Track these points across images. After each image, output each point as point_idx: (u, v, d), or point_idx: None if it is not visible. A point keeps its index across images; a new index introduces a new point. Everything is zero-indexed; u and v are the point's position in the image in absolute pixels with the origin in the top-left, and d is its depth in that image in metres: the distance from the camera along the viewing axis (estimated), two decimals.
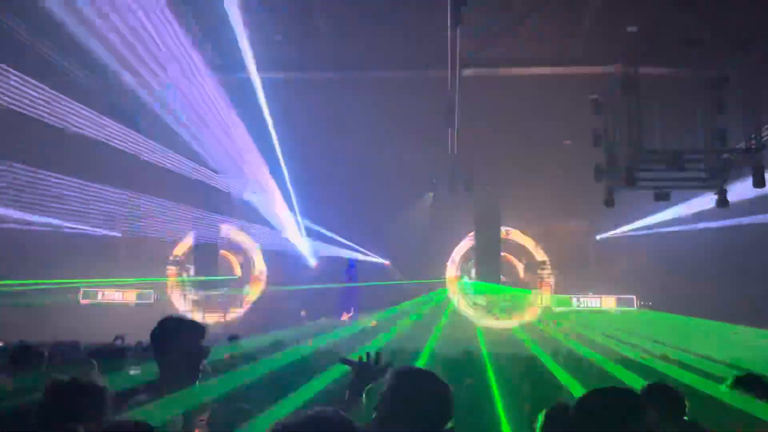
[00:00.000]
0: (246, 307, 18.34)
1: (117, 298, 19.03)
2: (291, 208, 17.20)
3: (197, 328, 2.35)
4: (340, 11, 11.87)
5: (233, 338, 8.73)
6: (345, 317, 15.32)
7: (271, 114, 15.26)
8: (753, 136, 9.20)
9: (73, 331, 10.37)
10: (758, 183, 9.28)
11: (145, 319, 3.83)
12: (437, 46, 10.76)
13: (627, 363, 8.14)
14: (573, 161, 16.01)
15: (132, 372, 4.94)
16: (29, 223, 14.50)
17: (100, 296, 19.01)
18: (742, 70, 9.22)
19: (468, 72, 11.15)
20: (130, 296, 18.98)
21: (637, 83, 9.40)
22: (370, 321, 14.30)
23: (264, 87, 13.94)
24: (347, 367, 2.48)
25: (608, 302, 18.88)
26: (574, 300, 18.94)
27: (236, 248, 19.06)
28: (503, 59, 11.79)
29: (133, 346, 7.90)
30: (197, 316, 15.86)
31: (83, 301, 18.67)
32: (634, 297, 18.63)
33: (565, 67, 12.58)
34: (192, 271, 18.77)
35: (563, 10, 11.87)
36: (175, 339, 2.29)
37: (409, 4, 11.58)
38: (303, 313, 15.06)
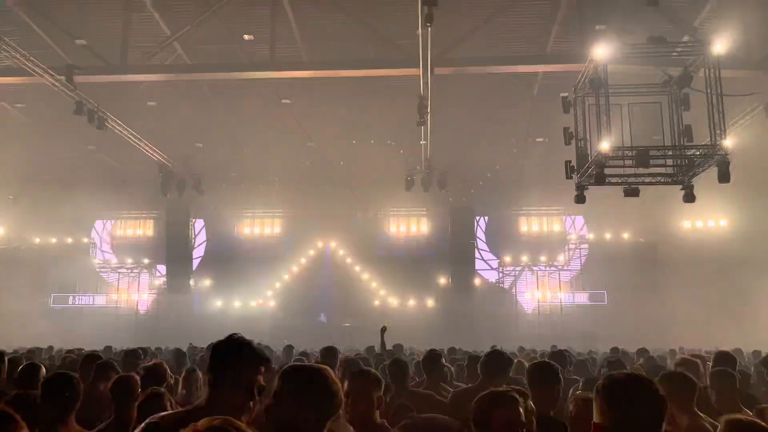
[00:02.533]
0: None
1: None
2: None
3: (259, 359, 2.04)
4: (311, 11, 11.81)
5: None
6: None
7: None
8: (718, 131, 9.35)
9: None
10: (723, 178, 9.43)
11: None
12: (409, 45, 10.76)
13: None
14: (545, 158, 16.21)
15: None
16: None
17: None
18: (706, 68, 9.39)
19: (440, 71, 11.16)
20: None
21: (605, 81, 9.48)
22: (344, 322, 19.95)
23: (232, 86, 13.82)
24: None
25: None
26: None
27: None
28: (474, 58, 11.83)
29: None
30: None
31: None
32: None
33: (536, 66, 12.69)
34: None
35: (533, 9, 11.98)
36: (232, 365, 2.02)
37: (380, 3, 11.57)
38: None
